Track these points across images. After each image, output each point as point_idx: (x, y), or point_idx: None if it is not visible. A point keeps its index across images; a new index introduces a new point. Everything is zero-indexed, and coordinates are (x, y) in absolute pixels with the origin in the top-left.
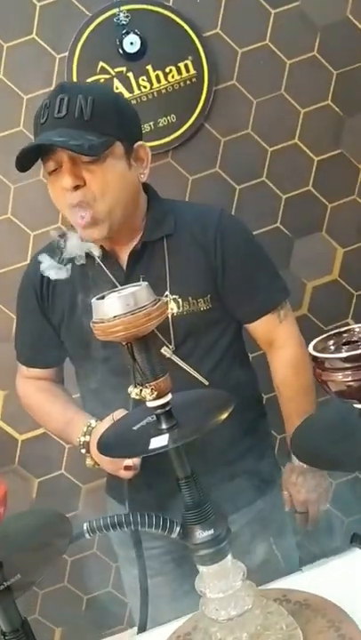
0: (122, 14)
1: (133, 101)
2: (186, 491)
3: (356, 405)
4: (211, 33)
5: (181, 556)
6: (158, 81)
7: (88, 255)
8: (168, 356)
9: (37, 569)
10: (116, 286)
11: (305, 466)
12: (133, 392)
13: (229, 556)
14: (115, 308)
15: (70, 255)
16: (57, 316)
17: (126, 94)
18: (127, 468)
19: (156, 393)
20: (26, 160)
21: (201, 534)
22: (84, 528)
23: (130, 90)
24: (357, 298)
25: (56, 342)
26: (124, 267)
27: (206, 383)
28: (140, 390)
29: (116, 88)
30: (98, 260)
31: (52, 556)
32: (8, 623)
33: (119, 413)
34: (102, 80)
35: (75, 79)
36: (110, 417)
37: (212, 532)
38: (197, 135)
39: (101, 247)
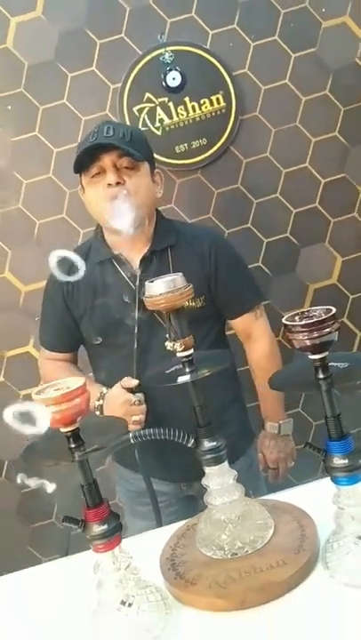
0: (167, 54)
1: (172, 126)
2: (199, 414)
3: (309, 356)
4: (240, 72)
5: (180, 508)
6: (194, 110)
7: (107, 261)
8: None
9: (105, 443)
10: (130, 287)
11: (275, 432)
12: (169, 345)
13: (226, 463)
14: (160, 288)
15: (96, 259)
16: (80, 310)
17: (166, 120)
18: (134, 422)
19: (183, 347)
20: (80, 163)
21: (208, 444)
22: (130, 435)
23: (170, 116)
24: (353, 300)
25: (75, 332)
26: (137, 271)
27: None
28: (173, 344)
29: (159, 115)
30: (116, 265)
31: (114, 437)
32: (85, 478)
33: (127, 380)
34: (147, 108)
35: (125, 106)
36: (119, 384)
37: (215, 443)
38: (224, 156)
39: (119, 255)
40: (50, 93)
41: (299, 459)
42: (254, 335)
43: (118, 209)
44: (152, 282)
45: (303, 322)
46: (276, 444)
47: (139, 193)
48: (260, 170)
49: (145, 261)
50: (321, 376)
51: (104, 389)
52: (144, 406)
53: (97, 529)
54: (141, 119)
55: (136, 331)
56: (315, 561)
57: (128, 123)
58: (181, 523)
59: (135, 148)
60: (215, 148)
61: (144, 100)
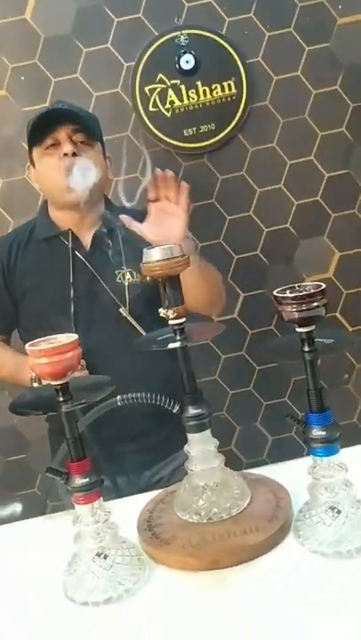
0: (182, 37)
1: (182, 109)
2: (186, 381)
3: (297, 329)
4: (253, 60)
5: None
6: (205, 95)
7: (54, 238)
8: (124, 315)
9: (92, 398)
10: (82, 262)
11: None
12: (162, 312)
13: (208, 431)
14: (158, 255)
15: (42, 236)
16: (21, 289)
17: (177, 102)
18: None
19: (176, 314)
20: (35, 133)
21: (192, 411)
22: (118, 398)
23: (180, 99)
24: (347, 296)
25: (11, 314)
26: (88, 247)
27: None
28: (167, 311)
29: (170, 97)
30: (64, 242)
31: (101, 394)
32: (70, 432)
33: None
34: (159, 89)
35: (137, 85)
36: None
37: (199, 410)
38: (231, 143)
39: (70, 231)
40: (63, 67)
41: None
42: None
43: (76, 176)
44: (150, 249)
45: (293, 295)
46: None
47: (95, 166)
48: (266, 159)
49: (97, 238)
50: (306, 349)
51: None
52: (86, 371)
53: (79, 481)
54: (152, 99)
55: (72, 295)
56: (287, 529)
57: (140, 102)
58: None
59: (90, 126)
60: (223, 134)
61: (156, 80)
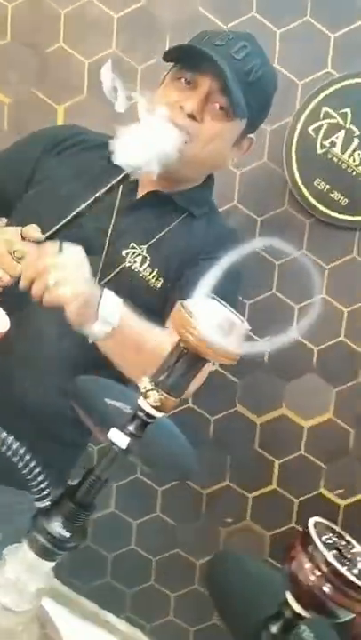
0: None
1: (335, 159)
2: (86, 486)
3: (295, 606)
4: None
5: None
6: None
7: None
8: None
9: None
10: (113, 205)
11: None
12: (145, 382)
13: (52, 565)
14: (213, 319)
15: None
16: (42, 174)
17: (336, 148)
18: None
19: (159, 404)
20: (181, 54)
21: (58, 527)
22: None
23: (343, 150)
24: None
25: (8, 191)
26: (137, 197)
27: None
28: (153, 388)
29: (336, 137)
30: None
31: None
32: None
33: (31, 230)
34: (332, 124)
35: (315, 101)
36: (20, 228)
37: (67, 535)
38: (344, 235)
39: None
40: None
41: None
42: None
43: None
44: (213, 298)
45: (342, 570)
46: None
47: (207, 147)
48: None
49: (150, 196)
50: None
51: (4, 222)
52: (19, 267)
53: None
54: (318, 124)
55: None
56: None
57: (303, 119)
58: None
59: (250, 97)
60: (348, 217)
61: (337, 113)
